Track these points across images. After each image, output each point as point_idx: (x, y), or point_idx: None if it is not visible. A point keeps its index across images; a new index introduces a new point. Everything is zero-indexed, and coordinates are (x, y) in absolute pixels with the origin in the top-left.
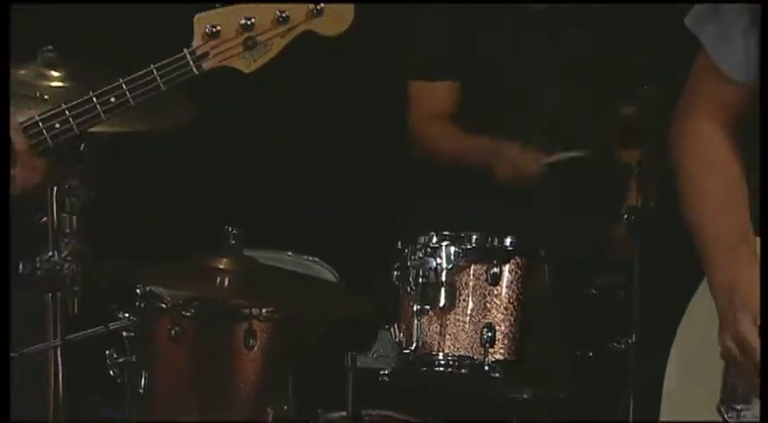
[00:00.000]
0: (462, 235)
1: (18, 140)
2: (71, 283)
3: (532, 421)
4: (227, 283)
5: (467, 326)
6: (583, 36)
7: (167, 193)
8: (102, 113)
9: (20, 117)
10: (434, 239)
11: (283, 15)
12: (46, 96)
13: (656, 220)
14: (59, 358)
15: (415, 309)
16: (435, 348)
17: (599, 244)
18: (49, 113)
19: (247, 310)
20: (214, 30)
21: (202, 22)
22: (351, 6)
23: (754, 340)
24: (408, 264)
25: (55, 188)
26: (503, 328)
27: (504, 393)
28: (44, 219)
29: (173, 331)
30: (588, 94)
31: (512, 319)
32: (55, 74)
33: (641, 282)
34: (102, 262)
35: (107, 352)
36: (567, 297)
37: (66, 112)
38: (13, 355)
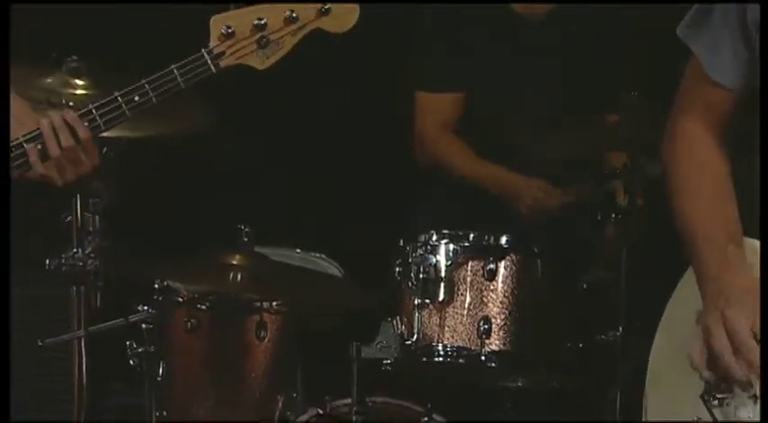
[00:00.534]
0: (460, 233)
1: (81, 128)
2: (94, 278)
3: (526, 408)
4: (239, 278)
5: (464, 319)
6: (578, 44)
7: (184, 194)
8: (126, 111)
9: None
10: (434, 237)
11: (293, 15)
12: (70, 103)
13: (642, 219)
14: (83, 348)
15: (415, 302)
16: (435, 340)
17: (589, 242)
18: (81, 111)
19: (258, 304)
20: (229, 30)
21: (218, 23)
22: (356, 5)
23: (747, 339)
24: (409, 260)
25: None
26: (498, 320)
27: (499, 382)
28: (69, 218)
29: (188, 323)
30: (580, 101)
31: (507, 312)
32: (79, 82)
33: (628, 278)
34: (123, 258)
35: (127, 342)
36: (558, 292)
37: (94, 111)
38: (39, 343)
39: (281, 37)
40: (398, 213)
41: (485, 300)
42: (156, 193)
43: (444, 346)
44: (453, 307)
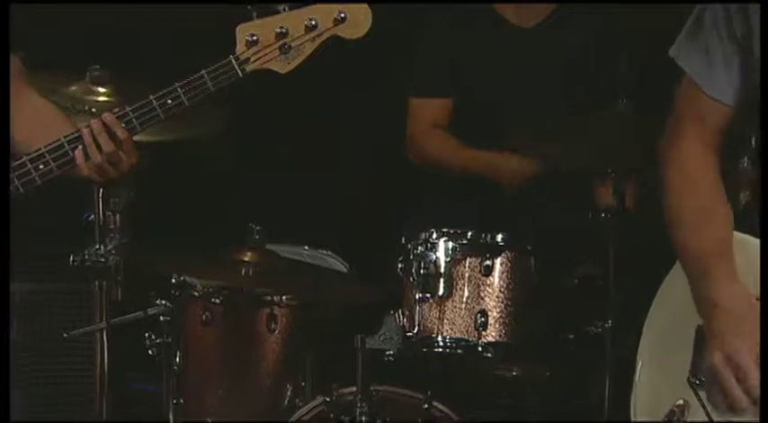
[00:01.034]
0: (459, 232)
1: (119, 129)
2: (115, 273)
3: (520, 395)
4: (251, 273)
5: (462, 312)
6: (567, 56)
7: (199, 195)
8: (161, 113)
9: (69, 128)
10: (434, 235)
11: (312, 23)
12: (93, 109)
13: (630, 218)
14: (105, 339)
15: (416, 297)
16: (435, 332)
17: (579, 240)
18: (118, 113)
19: (269, 298)
20: (254, 38)
21: (244, 31)
22: (369, 13)
23: (743, 361)
24: (411, 257)
25: (101, 190)
26: (494, 313)
27: (495, 371)
28: (92, 217)
29: (203, 316)
30: (568, 107)
31: (502, 305)
32: (102, 90)
33: (617, 273)
34: (142, 255)
35: (146, 334)
36: (551, 286)
37: (130, 113)
38: (64, 334)
39: (302, 43)
40: (401, 213)
41: (482, 294)
42: (173, 194)
43: (444, 338)
44: (452, 301)
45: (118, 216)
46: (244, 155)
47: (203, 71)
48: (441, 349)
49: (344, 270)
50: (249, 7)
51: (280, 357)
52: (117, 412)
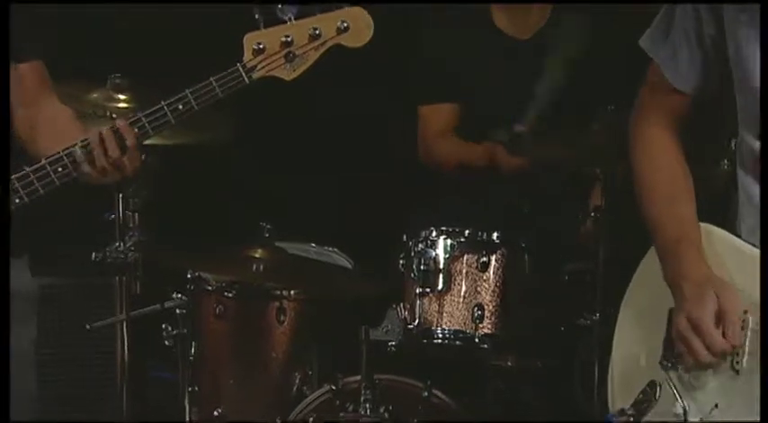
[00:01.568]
0: (457, 230)
1: (130, 136)
2: (134, 268)
3: (514, 384)
4: (261, 269)
5: (460, 305)
6: (562, 68)
7: (213, 195)
8: (171, 118)
9: (80, 137)
10: (434, 234)
11: (316, 32)
12: (114, 115)
13: (618, 217)
14: (125, 330)
15: (417, 291)
16: (434, 324)
17: (570, 237)
18: (132, 119)
19: (278, 292)
20: (260, 46)
21: (251, 40)
22: (371, 23)
23: (708, 329)
24: (412, 254)
25: (120, 193)
26: (490, 307)
27: (490, 361)
28: (112, 216)
29: (217, 309)
30: (563, 117)
31: (498, 299)
32: (121, 97)
33: (605, 269)
34: (160, 251)
35: (163, 326)
36: (543, 281)
37: (143, 119)
38: (87, 326)
39: (306, 52)
40: (402, 213)
41: (478, 289)
42: (188, 194)
43: (442, 330)
44: (450, 295)
45: (137, 215)
46: (255, 158)
47: (212, 78)
48: (440, 341)
49: (349, 266)
50: (257, 17)
51: (288, 348)
52: (136, 397)
